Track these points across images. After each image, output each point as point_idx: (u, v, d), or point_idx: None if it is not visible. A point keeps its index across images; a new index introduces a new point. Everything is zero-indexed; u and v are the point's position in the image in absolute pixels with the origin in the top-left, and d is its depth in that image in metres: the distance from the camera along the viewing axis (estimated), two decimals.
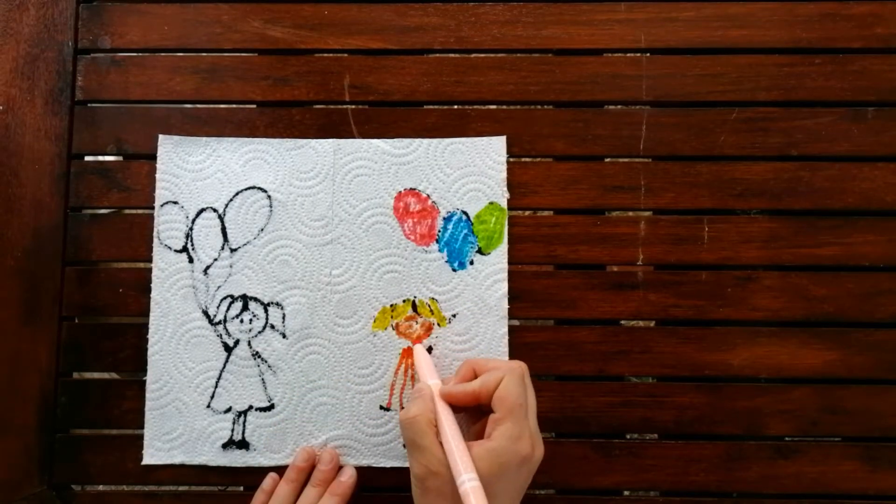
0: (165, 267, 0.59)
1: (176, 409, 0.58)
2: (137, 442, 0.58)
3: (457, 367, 0.58)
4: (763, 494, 0.58)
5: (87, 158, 0.62)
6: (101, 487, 0.60)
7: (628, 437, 0.59)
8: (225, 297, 0.59)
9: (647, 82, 0.61)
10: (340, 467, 0.57)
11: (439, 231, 0.60)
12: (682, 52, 0.61)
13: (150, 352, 0.59)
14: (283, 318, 0.59)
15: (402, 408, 0.56)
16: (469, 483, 0.43)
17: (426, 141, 0.60)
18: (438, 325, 0.59)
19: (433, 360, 0.57)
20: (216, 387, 0.58)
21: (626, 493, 0.59)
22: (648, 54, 0.61)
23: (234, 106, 0.62)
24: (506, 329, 0.59)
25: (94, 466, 0.59)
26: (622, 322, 0.60)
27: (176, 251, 0.59)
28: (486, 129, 0.61)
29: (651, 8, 0.62)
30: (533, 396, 0.50)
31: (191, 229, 0.60)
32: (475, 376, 0.51)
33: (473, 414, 0.52)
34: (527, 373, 0.51)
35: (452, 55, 0.62)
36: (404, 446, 0.58)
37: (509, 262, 0.59)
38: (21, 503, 0.58)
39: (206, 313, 0.59)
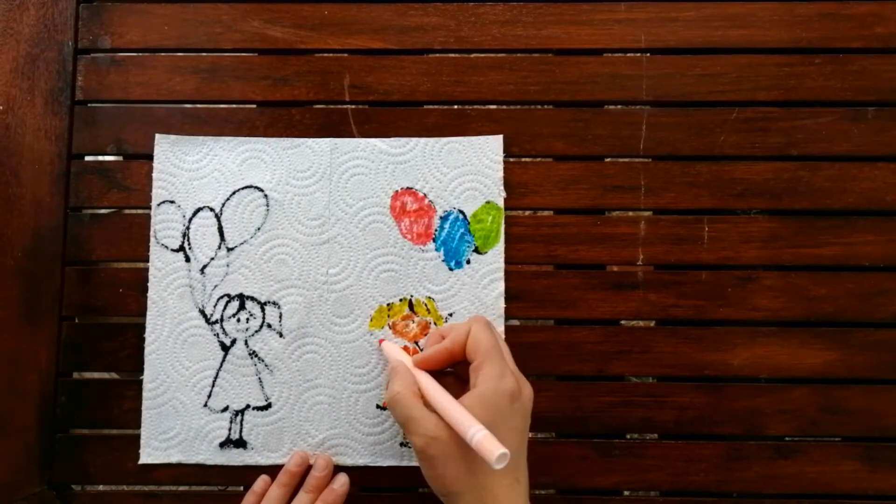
0: (162, 266, 0.59)
1: (173, 409, 0.58)
2: (137, 442, 0.58)
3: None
4: (763, 494, 0.58)
5: (87, 158, 0.62)
6: (100, 487, 0.60)
7: (628, 437, 0.59)
8: (222, 297, 0.59)
9: (647, 82, 0.61)
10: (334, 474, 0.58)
11: (436, 230, 0.59)
12: (682, 52, 0.61)
13: (146, 351, 0.59)
14: (280, 317, 0.59)
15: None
16: (479, 434, 0.43)
17: (423, 140, 0.60)
18: (435, 324, 0.59)
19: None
20: (213, 386, 0.58)
21: (626, 493, 0.59)
22: (648, 54, 0.61)
23: (233, 106, 0.62)
24: (502, 328, 0.59)
25: (93, 466, 0.59)
26: (622, 322, 0.60)
27: (172, 250, 0.59)
28: (485, 129, 0.61)
29: (651, 8, 0.61)
30: (503, 341, 0.52)
31: (187, 228, 0.60)
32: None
33: (454, 383, 0.53)
34: (490, 323, 0.52)
35: (452, 55, 0.62)
36: (402, 445, 0.58)
37: (509, 262, 0.59)
38: (21, 503, 0.58)
39: (202, 312, 0.59)
